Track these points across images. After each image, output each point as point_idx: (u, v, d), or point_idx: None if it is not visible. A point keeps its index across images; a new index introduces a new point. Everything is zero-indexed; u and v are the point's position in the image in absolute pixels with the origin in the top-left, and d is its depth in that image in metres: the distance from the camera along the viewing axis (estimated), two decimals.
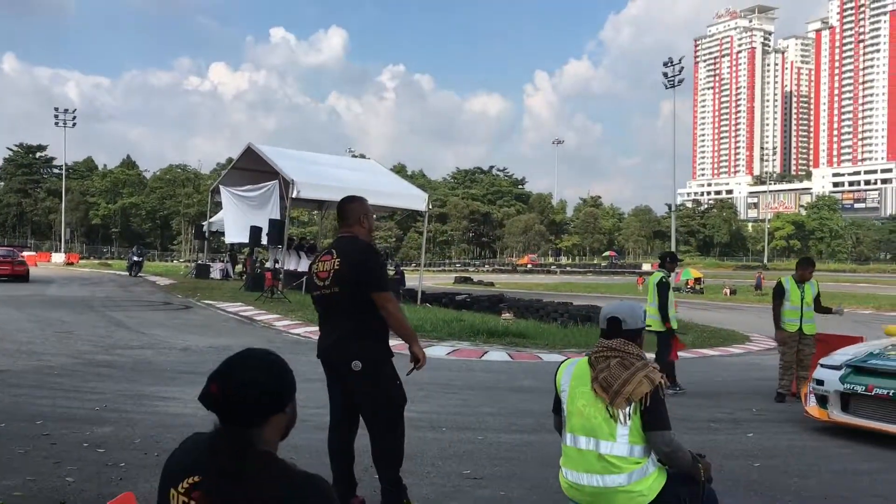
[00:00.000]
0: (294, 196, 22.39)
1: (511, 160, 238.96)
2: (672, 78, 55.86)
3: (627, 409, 3.01)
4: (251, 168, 26.26)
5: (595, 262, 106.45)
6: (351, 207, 4.34)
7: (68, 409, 6.96)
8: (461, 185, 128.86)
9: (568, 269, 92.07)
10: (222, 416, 1.92)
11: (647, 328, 4.84)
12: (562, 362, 3.43)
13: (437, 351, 12.38)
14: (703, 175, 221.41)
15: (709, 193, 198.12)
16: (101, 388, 8.18)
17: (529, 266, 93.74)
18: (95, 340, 12.28)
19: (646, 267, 79.09)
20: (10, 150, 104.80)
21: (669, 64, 55.87)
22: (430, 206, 28.13)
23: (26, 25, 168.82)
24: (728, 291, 42.88)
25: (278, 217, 23.42)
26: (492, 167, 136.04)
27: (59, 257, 59.69)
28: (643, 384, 3.02)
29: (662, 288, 9.58)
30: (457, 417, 7.31)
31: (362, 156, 79.77)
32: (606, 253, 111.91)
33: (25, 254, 41.34)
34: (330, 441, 4.33)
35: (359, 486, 4.39)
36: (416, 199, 26.27)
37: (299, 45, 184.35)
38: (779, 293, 9.21)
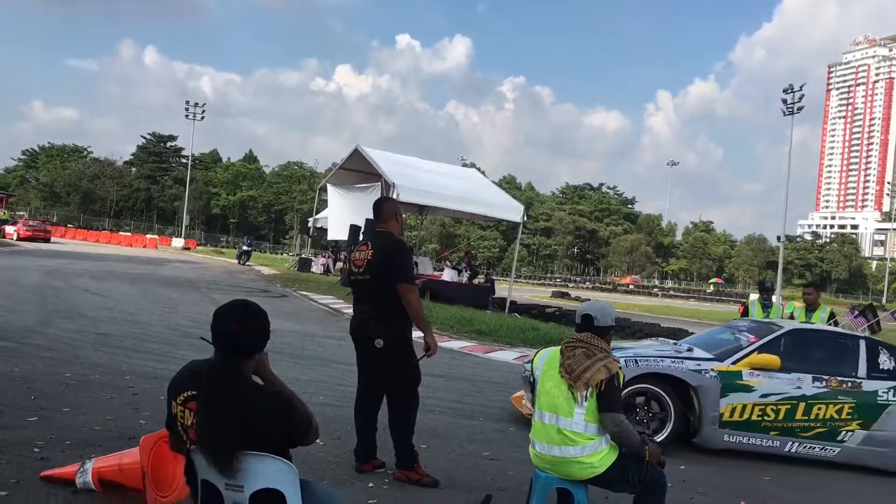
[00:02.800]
0: (394, 198, 23.21)
1: (623, 179, 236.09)
2: (791, 105, 54.11)
3: (585, 391, 3.48)
4: (358, 169, 27.30)
5: (701, 287, 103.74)
6: (386, 206, 4.99)
7: (155, 369, 7.87)
8: (569, 200, 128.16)
9: (671, 292, 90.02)
10: (227, 348, 2.59)
11: None
12: (539, 350, 3.93)
13: (504, 355, 12.84)
14: (826, 207, 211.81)
15: (832, 227, 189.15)
16: (189, 356, 8.99)
17: (631, 287, 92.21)
18: (193, 316, 13.40)
19: (753, 297, 76.58)
20: (144, 138, 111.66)
21: (790, 90, 54.15)
22: (533, 219, 28.52)
23: (168, 21, 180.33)
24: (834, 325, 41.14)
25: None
26: (602, 184, 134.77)
27: (178, 242, 63.21)
28: (601, 372, 3.48)
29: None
30: (496, 411, 7.79)
31: (473, 164, 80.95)
32: (713, 279, 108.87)
33: (149, 236, 58.58)
34: (356, 408, 4.95)
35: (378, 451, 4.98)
36: (513, 211, 26.59)
37: (424, 52, 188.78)
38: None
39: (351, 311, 5.19)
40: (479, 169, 51.84)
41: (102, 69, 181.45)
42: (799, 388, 6.93)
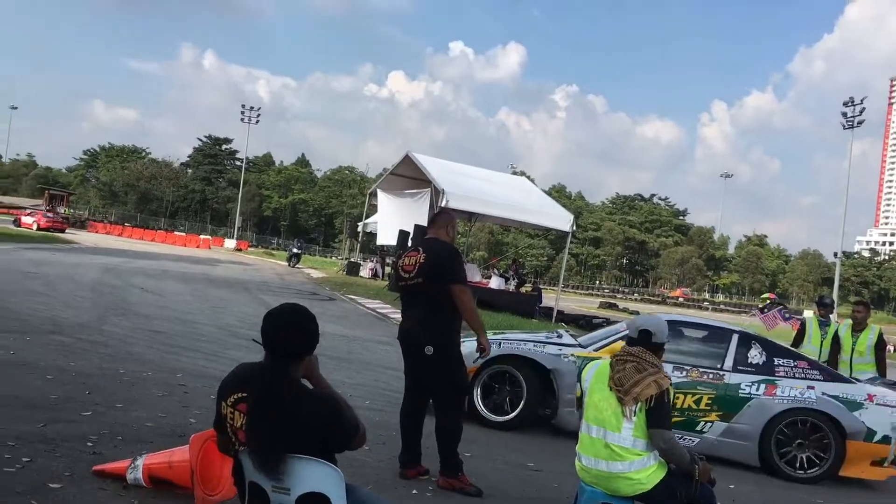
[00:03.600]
0: (442, 205, 23.27)
1: (675, 190, 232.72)
2: (851, 118, 52.84)
3: (634, 406, 3.43)
4: (408, 175, 27.47)
5: (753, 302, 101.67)
6: (442, 216, 5.08)
7: (205, 367, 8.01)
8: (619, 210, 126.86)
9: (721, 306, 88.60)
10: (278, 350, 2.62)
11: None
12: (588, 361, 3.90)
13: None
14: (886, 223, 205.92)
15: (891, 244, 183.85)
16: (238, 355, 9.18)
17: (681, 299, 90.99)
18: (242, 317, 13.60)
19: (807, 314, 74.90)
20: (200, 140, 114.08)
21: (850, 103, 52.88)
22: (582, 229, 28.31)
23: (226, 25, 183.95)
24: (894, 348, 40.14)
25: (425, 224, 24.39)
26: (653, 195, 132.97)
27: (230, 243, 64.31)
28: (651, 387, 3.43)
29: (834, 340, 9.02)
30: (541, 421, 7.74)
31: (523, 173, 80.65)
32: (765, 294, 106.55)
33: (202, 237, 60.80)
34: (402, 414, 4.96)
35: (423, 458, 4.98)
36: (562, 220, 26.45)
37: (477, 59, 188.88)
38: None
39: (398, 315, 5.22)
40: (528, 177, 51.61)
41: (163, 72, 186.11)
42: None
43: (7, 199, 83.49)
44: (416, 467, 4.92)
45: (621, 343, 6.53)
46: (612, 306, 55.43)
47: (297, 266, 38.54)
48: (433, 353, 4.64)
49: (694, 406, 6.96)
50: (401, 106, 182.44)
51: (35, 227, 43.84)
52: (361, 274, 33.41)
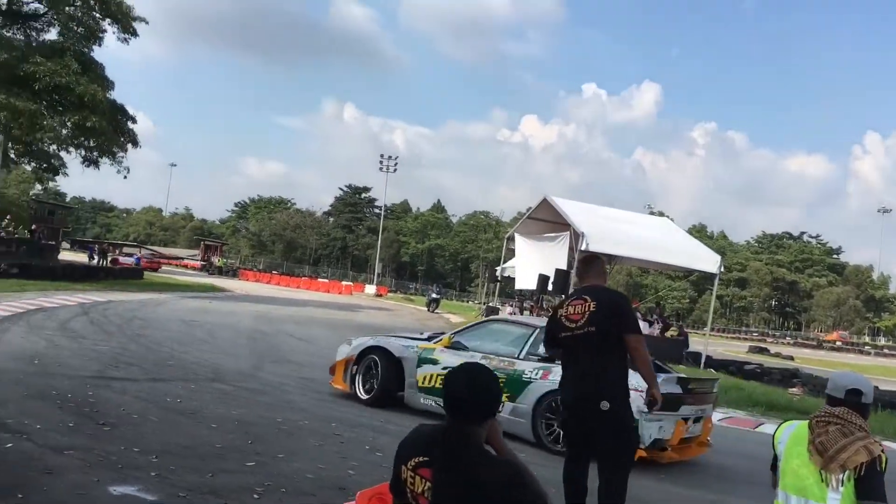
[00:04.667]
0: (582, 248, 22.89)
1: (827, 227, 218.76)
2: None
3: (841, 475, 3.07)
4: (545, 219, 27.28)
5: None
6: (597, 263, 4.85)
7: (358, 417, 8.08)
8: (766, 249, 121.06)
9: (885, 350, 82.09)
10: (459, 415, 2.51)
11: None
12: (782, 423, 3.55)
13: None
14: None
15: None
16: (387, 406, 9.24)
17: (838, 343, 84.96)
18: None
19: None
20: (341, 189, 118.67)
21: None
22: (726, 270, 27.16)
23: (365, 78, 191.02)
24: None
25: (565, 268, 24.08)
26: (802, 233, 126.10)
27: (371, 289, 65.91)
28: (860, 453, 3.06)
29: None
30: (708, 476, 7.29)
31: (661, 213, 78.77)
32: None
33: (344, 283, 64.99)
34: (565, 472, 4.71)
35: None
36: (708, 261, 25.42)
37: (610, 100, 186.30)
38: None
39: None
40: (667, 217, 50.21)
41: (307, 125, 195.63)
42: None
43: (168, 251, 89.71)
44: None
45: (449, 336, 9.00)
46: (763, 350, 52.46)
47: (436, 311, 38.94)
48: (609, 408, 4.38)
49: None
50: (534, 150, 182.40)
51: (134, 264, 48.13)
52: None
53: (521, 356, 8.20)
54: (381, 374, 8.82)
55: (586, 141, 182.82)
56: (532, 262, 26.92)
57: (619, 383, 4.48)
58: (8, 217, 34.90)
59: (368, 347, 9.10)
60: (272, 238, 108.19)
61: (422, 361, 8.67)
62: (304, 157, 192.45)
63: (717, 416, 12.42)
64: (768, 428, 11.98)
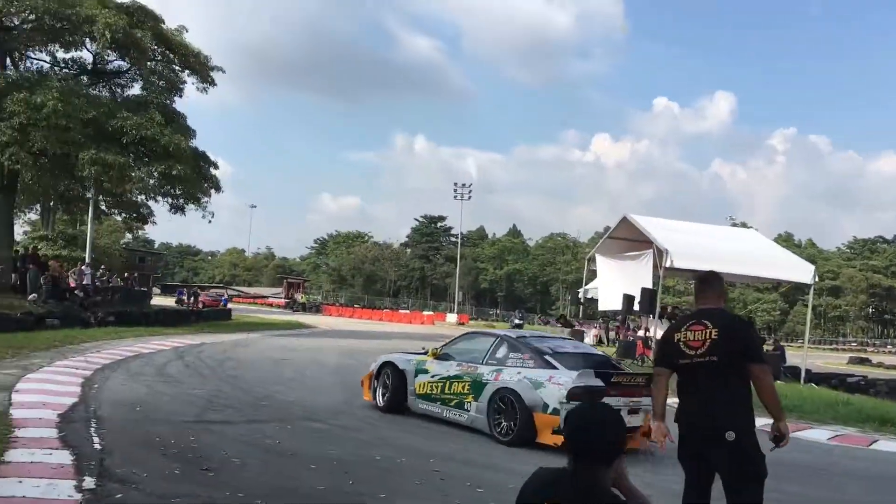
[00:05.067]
0: (667, 266, 22.37)
1: None
2: None
3: None
4: (626, 237, 26.79)
5: None
6: (715, 282, 4.56)
7: (454, 451, 7.98)
8: (859, 255, 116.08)
9: None
10: (585, 456, 2.39)
11: None
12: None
13: (816, 434, 11.53)
14: None
15: None
16: (481, 438, 9.10)
17: None
18: None
19: None
20: (417, 220, 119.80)
21: None
22: (819, 279, 26.11)
23: (434, 109, 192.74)
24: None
25: (650, 286, 23.56)
26: None
27: (452, 317, 66.00)
28: None
29: None
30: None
31: (743, 224, 76.69)
32: None
33: (425, 313, 66.94)
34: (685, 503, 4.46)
35: None
36: (801, 271, 24.48)
37: (683, 112, 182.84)
38: None
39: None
40: (751, 227, 48.75)
41: (379, 159, 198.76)
42: (448, 370, 9.58)
43: (252, 290, 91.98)
44: None
45: (435, 347, 10.31)
46: (864, 361, 50.22)
47: None
48: (735, 439, 4.13)
49: (462, 391, 9.27)
50: (606, 168, 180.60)
51: (200, 305, 48.42)
52: (586, 341, 32.80)
53: (483, 362, 9.35)
54: (391, 384, 10.25)
55: (660, 155, 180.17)
56: (615, 282, 26.45)
57: (744, 413, 4.22)
58: (102, 267, 36.31)
59: (383, 363, 10.57)
60: (352, 272, 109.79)
61: (418, 372, 10.02)
62: (378, 190, 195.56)
63: (825, 433, 11.88)
64: (884, 445, 11.33)
